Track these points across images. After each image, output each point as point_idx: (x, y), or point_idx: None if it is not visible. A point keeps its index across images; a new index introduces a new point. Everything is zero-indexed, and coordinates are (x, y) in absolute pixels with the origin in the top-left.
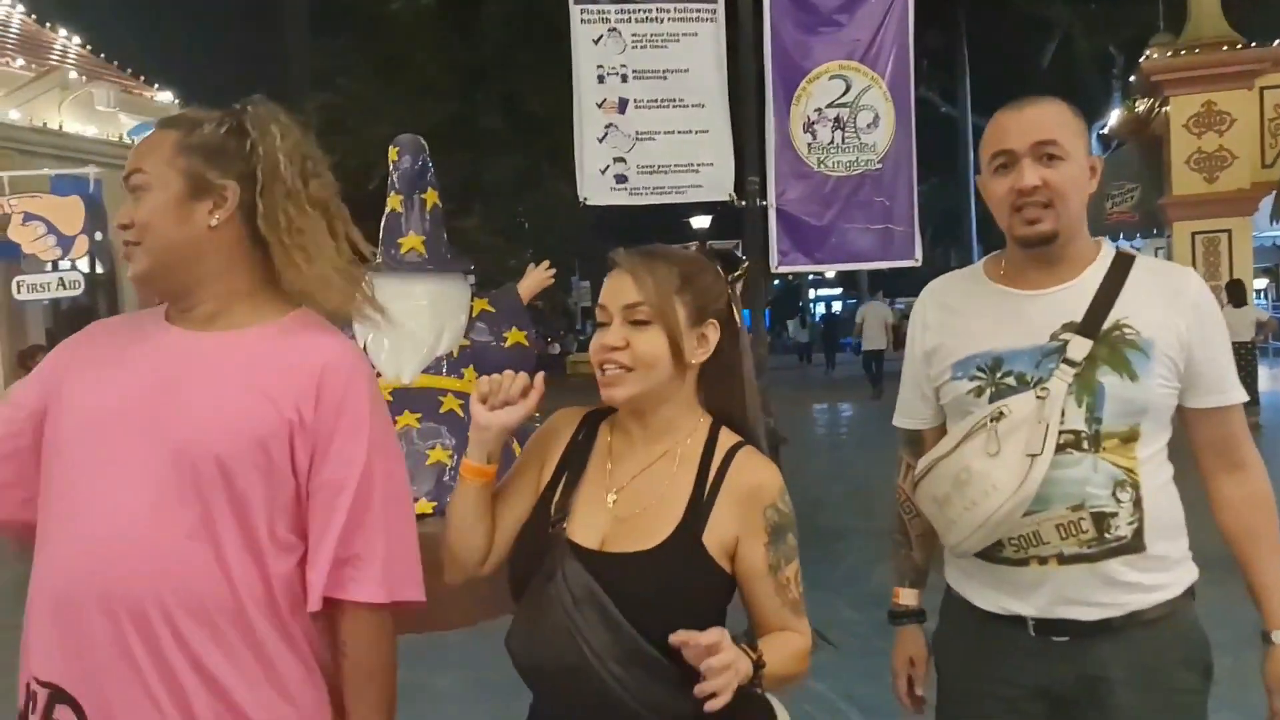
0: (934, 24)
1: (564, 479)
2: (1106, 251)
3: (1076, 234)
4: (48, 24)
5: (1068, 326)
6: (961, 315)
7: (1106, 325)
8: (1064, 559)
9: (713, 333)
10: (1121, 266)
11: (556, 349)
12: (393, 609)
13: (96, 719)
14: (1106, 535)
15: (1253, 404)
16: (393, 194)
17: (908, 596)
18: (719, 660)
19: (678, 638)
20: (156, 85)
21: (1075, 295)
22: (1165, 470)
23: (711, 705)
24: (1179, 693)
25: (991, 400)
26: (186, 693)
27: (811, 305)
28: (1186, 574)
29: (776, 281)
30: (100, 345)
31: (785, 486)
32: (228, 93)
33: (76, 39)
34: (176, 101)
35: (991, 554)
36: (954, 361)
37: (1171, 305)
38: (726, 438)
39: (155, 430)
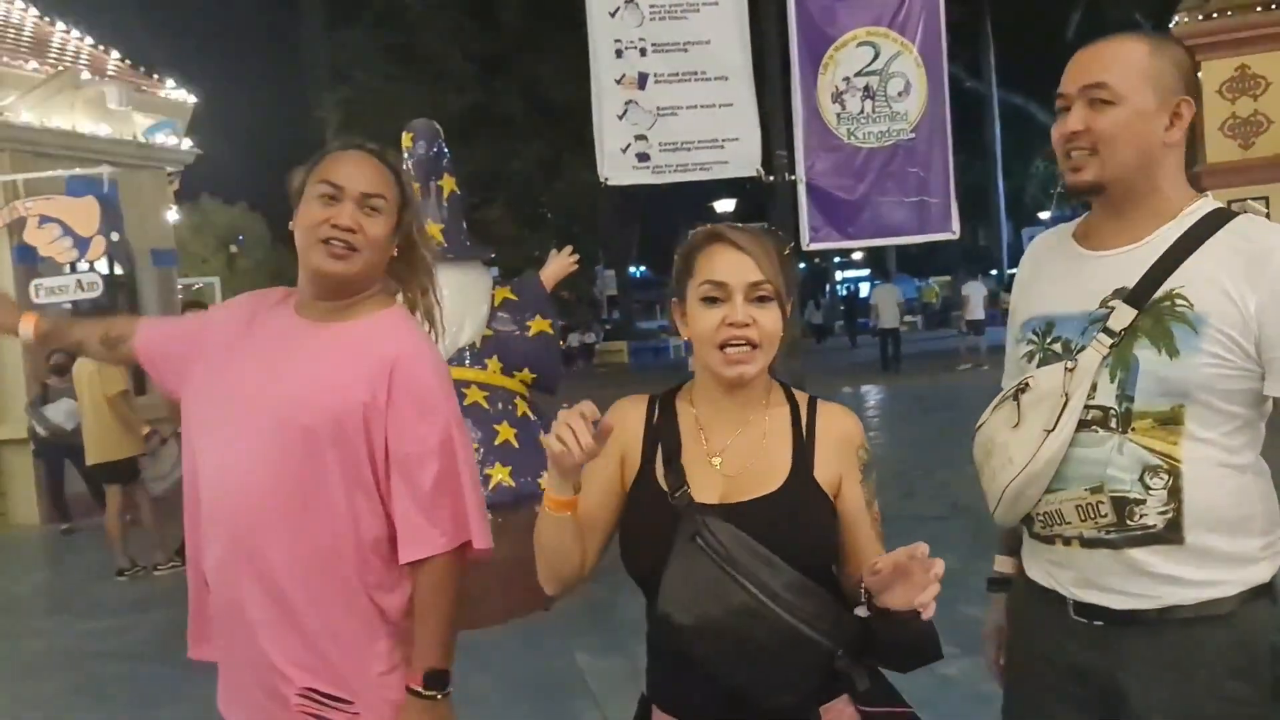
0: None
1: (659, 455)
2: (1197, 207)
3: (1144, 188)
4: (60, 24)
5: (1119, 293)
6: (1037, 275)
7: (1159, 294)
8: (1085, 542)
9: (790, 309)
10: (1207, 226)
11: (591, 338)
12: (464, 558)
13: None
14: (1129, 522)
15: None
16: None
17: (1002, 564)
18: (939, 567)
19: (886, 560)
20: (171, 83)
21: (1139, 258)
22: (1230, 459)
23: (928, 612)
24: (1221, 702)
25: (1040, 366)
26: (285, 643)
27: (839, 287)
28: (1252, 573)
29: (803, 265)
30: (238, 323)
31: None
32: (246, 89)
33: (89, 39)
34: (192, 100)
35: (1030, 528)
36: (1021, 322)
37: (1247, 276)
38: (799, 394)
39: (262, 401)
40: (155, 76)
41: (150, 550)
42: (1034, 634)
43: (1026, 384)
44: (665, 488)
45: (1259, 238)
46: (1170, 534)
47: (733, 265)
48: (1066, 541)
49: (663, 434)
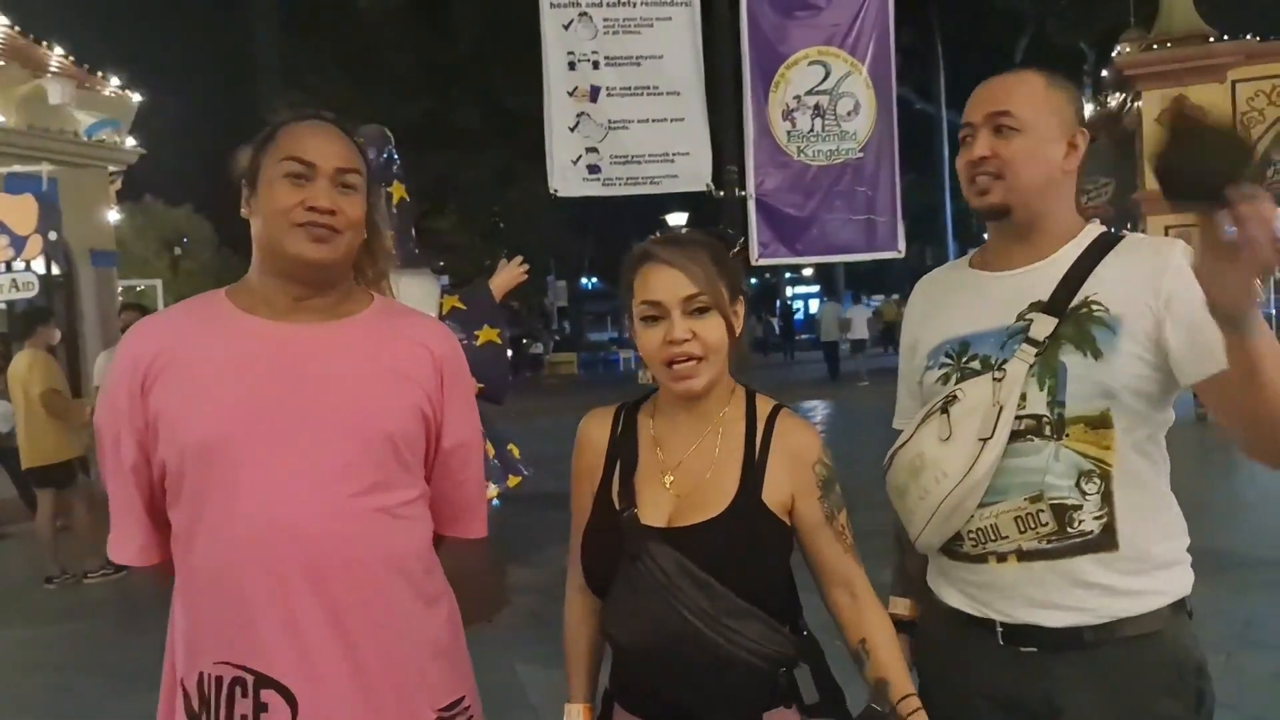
0: (909, 20)
1: (617, 470)
2: (1089, 230)
3: (1042, 209)
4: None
5: (1034, 305)
6: (940, 305)
7: (1075, 302)
8: (1023, 555)
9: (742, 307)
10: (1103, 244)
11: (541, 348)
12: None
13: (303, 694)
14: (1069, 529)
15: None
16: None
17: (898, 605)
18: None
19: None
20: (116, 81)
21: (1046, 273)
22: (1150, 461)
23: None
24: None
25: (956, 385)
26: (359, 647)
27: (790, 303)
28: (1177, 582)
29: (754, 280)
30: (198, 360)
31: (824, 444)
32: (197, 92)
33: (32, 35)
34: (137, 99)
35: (952, 549)
36: (928, 351)
37: (1149, 280)
38: (763, 403)
39: (321, 416)
40: (99, 74)
41: (82, 557)
42: (954, 670)
43: (955, 396)
44: (617, 503)
45: (1155, 245)
46: (1106, 539)
47: (665, 283)
48: (1001, 558)
49: (621, 449)
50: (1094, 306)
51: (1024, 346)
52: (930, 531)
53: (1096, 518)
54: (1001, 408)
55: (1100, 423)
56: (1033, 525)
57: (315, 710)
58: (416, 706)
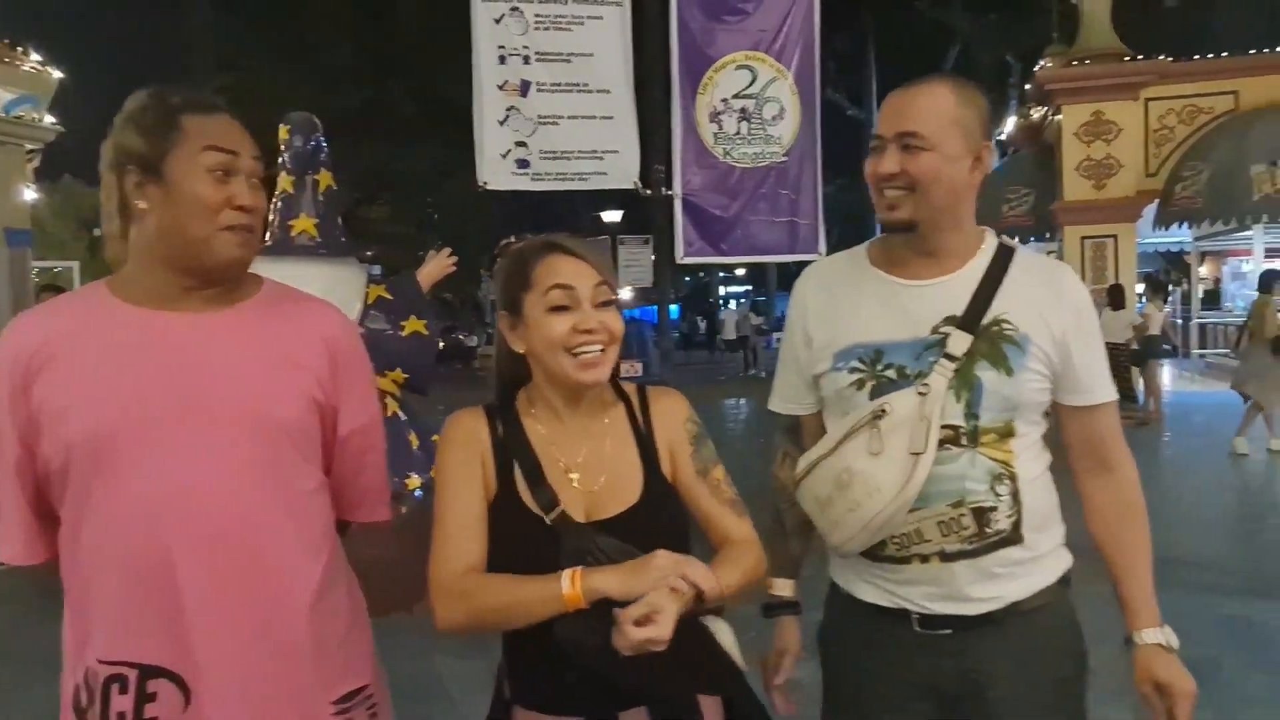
0: (842, 27)
1: (517, 473)
2: (989, 244)
3: (948, 224)
4: None
5: (949, 320)
6: (843, 302)
7: (986, 320)
8: (946, 556)
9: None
10: (1002, 260)
11: (475, 341)
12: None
13: (196, 683)
14: (987, 530)
15: (1129, 402)
16: (284, 174)
17: (783, 587)
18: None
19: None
20: (36, 57)
21: (956, 288)
22: (1040, 461)
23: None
24: (1061, 682)
25: (873, 394)
26: (273, 627)
27: (721, 303)
28: (1061, 561)
29: (688, 278)
30: (79, 352)
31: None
32: (125, 70)
33: None
34: (58, 75)
35: (874, 552)
36: (835, 351)
37: (1051, 305)
38: (627, 386)
39: (210, 405)
40: (19, 49)
41: None
42: (871, 657)
43: (884, 410)
44: (534, 508)
45: (1048, 269)
46: (1014, 534)
47: (575, 271)
48: (924, 559)
49: (515, 450)
50: (1005, 325)
51: (943, 361)
52: (859, 540)
53: (1009, 516)
54: (930, 422)
55: (1006, 432)
56: (955, 529)
57: (205, 697)
58: (309, 696)
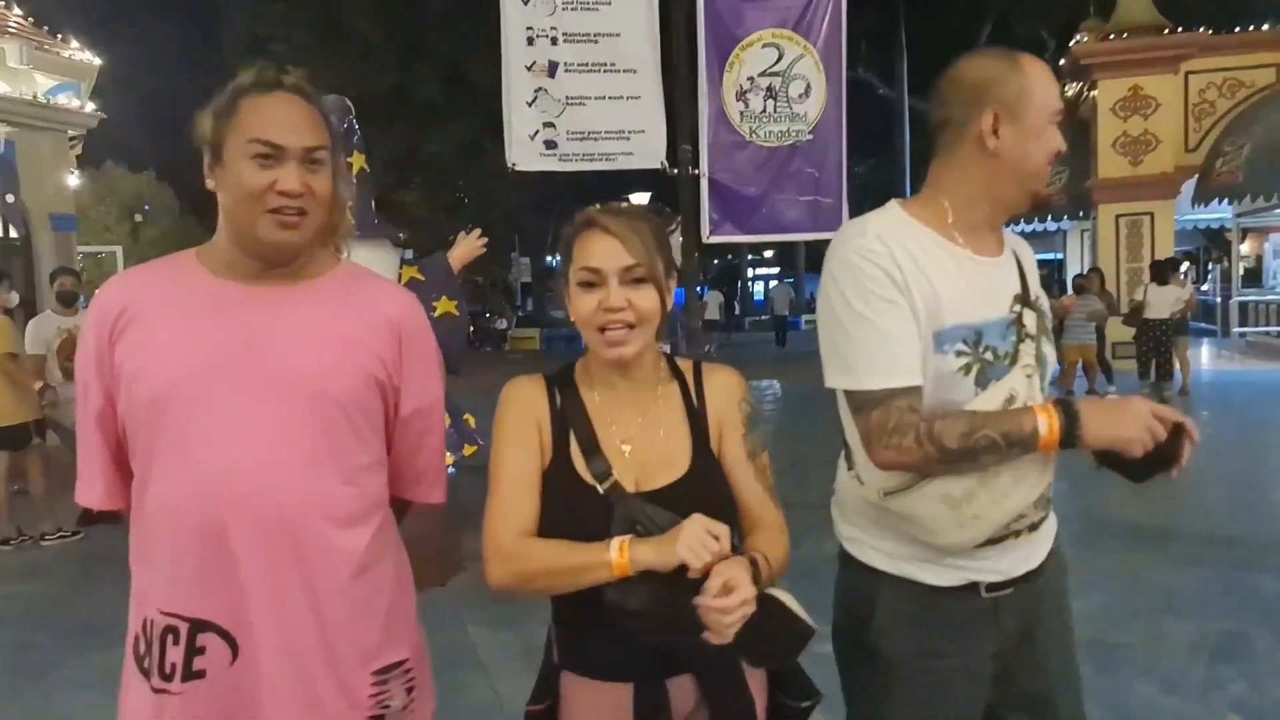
0: (872, 5)
1: (573, 442)
2: None
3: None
4: None
5: (1017, 298)
6: (931, 274)
7: (1031, 297)
8: (1033, 526)
9: (674, 282)
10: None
11: (504, 324)
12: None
13: (245, 640)
14: (1049, 496)
15: (1167, 380)
16: None
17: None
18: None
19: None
20: (76, 45)
21: (1008, 264)
22: None
23: (718, 639)
24: (1068, 610)
25: (978, 379)
26: (320, 597)
27: (750, 284)
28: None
29: (716, 260)
30: (158, 315)
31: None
32: (159, 55)
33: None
34: (98, 62)
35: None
36: (936, 330)
37: (1033, 271)
38: (682, 363)
39: (268, 375)
40: (60, 36)
41: (37, 520)
42: (942, 638)
43: (1012, 398)
44: (588, 477)
45: (1020, 243)
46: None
47: (606, 250)
48: (1017, 534)
49: (571, 419)
50: (1038, 300)
51: (1026, 341)
52: (988, 534)
53: (1050, 482)
54: (1040, 402)
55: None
56: (1043, 501)
57: (252, 655)
58: (350, 665)
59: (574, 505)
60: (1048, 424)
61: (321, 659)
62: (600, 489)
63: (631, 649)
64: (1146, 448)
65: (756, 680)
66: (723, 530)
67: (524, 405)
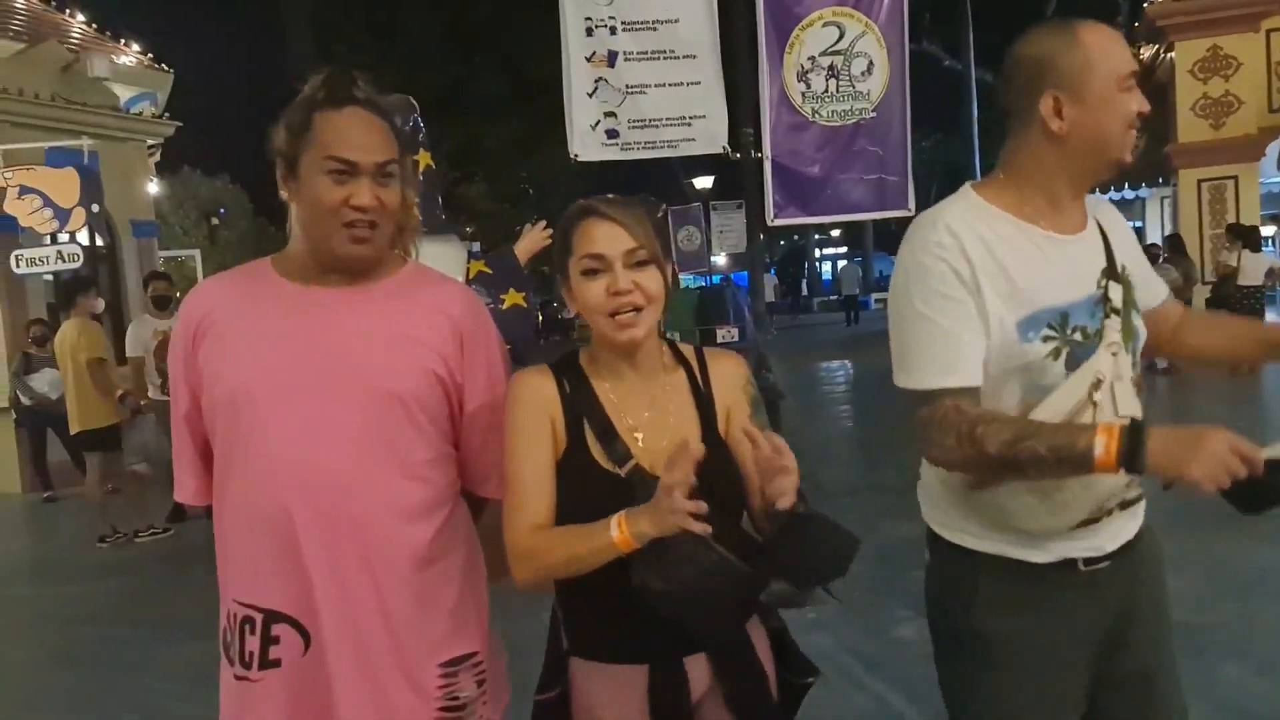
0: None
1: (587, 430)
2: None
3: None
4: (52, 2)
5: (1105, 272)
6: (1008, 260)
7: (1119, 269)
8: (1125, 504)
9: (668, 265)
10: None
11: (569, 313)
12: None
13: (316, 631)
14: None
15: None
16: None
17: None
18: (791, 460)
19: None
20: (151, 56)
21: (1092, 238)
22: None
23: (785, 502)
24: (1163, 584)
25: (1068, 363)
26: (386, 593)
27: (819, 264)
28: None
29: (782, 241)
30: (234, 320)
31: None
32: (227, 64)
33: (80, 16)
34: (171, 73)
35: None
36: (1018, 320)
37: (1122, 234)
38: (685, 349)
39: (333, 374)
40: (137, 48)
41: (130, 518)
42: (1048, 613)
43: (1099, 380)
44: (607, 464)
45: (1109, 209)
46: None
47: (608, 236)
48: (1110, 512)
49: (584, 408)
50: (1128, 272)
51: (1112, 317)
52: (1083, 516)
53: None
54: (1127, 379)
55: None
56: (1135, 480)
57: (323, 645)
58: (416, 657)
59: (594, 492)
60: (1105, 446)
61: (388, 650)
62: (622, 472)
63: (644, 629)
64: (1220, 487)
65: (764, 658)
66: (690, 445)
67: (533, 398)
